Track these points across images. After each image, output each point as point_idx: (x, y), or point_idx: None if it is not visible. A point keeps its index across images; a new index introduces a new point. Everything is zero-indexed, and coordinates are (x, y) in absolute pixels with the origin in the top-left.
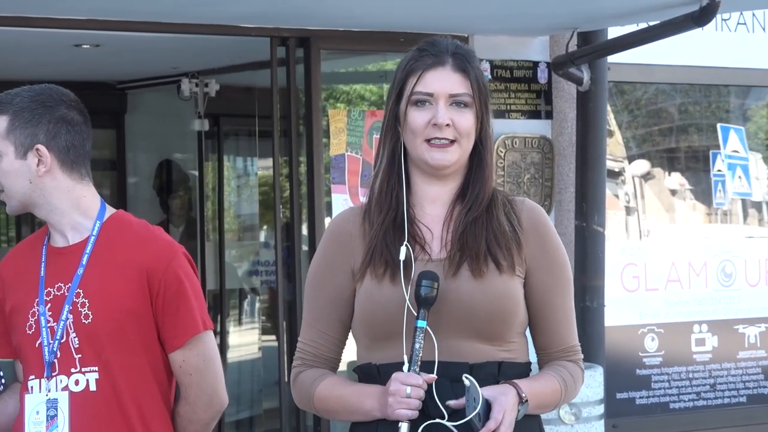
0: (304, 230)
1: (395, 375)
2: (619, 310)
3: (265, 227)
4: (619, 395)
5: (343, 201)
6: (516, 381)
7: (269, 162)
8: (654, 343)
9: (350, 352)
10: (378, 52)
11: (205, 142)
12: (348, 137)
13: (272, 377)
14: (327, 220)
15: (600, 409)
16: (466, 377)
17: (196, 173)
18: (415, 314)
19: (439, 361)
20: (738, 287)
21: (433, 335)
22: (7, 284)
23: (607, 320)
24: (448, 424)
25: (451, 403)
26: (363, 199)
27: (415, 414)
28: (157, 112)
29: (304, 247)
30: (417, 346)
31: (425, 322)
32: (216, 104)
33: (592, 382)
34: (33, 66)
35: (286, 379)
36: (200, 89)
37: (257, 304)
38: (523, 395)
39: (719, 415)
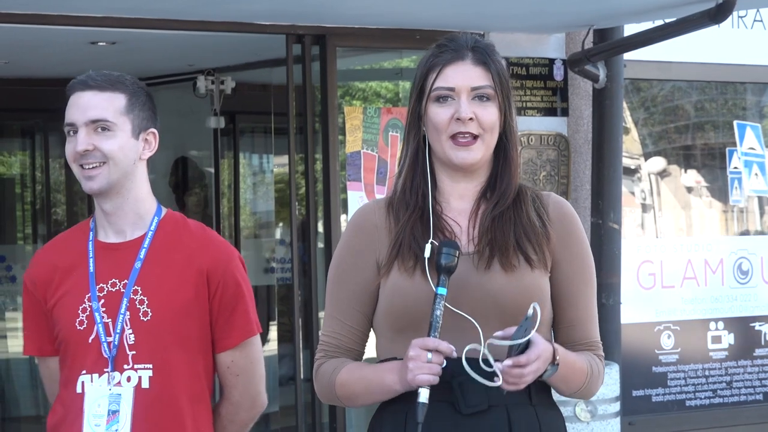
0: (320, 227)
1: (414, 341)
2: (635, 308)
3: (280, 224)
4: (635, 393)
5: (358, 198)
6: (553, 342)
7: (285, 159)
8: (670, 341)
9: (369, 351)
10: (394, 49)
11: (220, 139)
12: (364, 134)
13: (288, 374)
14: (343, 218)
15: (616, 407)
16: (534, 306)
17: (212, 170)
18: (437, 281)
19: (469, 358)
20: (754, 284)
21: (479, 327)
22: (46, 283)
23: (623, 318)
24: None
25: (498, 333)
26: (382, 195)
27: (436, 380)
28: (173, 110)
29: (320, 245)
30: (437, 313)
31: (446, 290)
32: (232, 101)
33: (608, 380)
34: (49, 64)
35: (302, 376)
36: (216, 86)
37: (273, 301)
38: (557, 357)
39: (735, 413)
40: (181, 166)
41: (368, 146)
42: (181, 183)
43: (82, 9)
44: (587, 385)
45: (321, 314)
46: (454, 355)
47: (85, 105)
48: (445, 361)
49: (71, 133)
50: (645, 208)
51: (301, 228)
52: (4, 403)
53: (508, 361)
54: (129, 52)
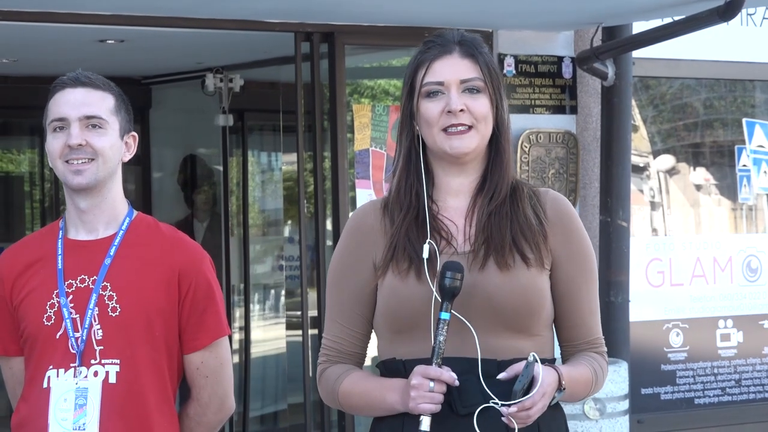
0: (329, 225)
1: (417, 369)
2: (643, 306)
3: (289, 222)
4: (643, 391)
5: (367, 196)
6: (558, 366)
7: (293, 157)
8: (679, 339)
9: (374, 348)
10: (402, 47)
11: (229, 137)
12: (372, 132)
13: (297, 372)
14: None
15: (625, 405)
16: (533, 355)
17: (221, 168)
18: (440, 306)
19: (466, 358)
20: (763, 282)
21: (473, 330)
22: (13, 281)
23: (631, 315)
24: (496, 406)
25: (502, 375)
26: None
27: (437, 408)
28: (182, 108)
29: (329, 242)
30: (441, 339)
31: (449, 314)
32: (240, 99)
33: (617, 378)
34: (58, 62)
35: (311, 374)
36: (224, 84)
37: (282, 299)
38: (563, 383)
39: (744, 411)
40: (190, 163)
41: (377, 144)
42: (189, 181)
43: (91, 7)
44: (592, 391)
45: None
46: (456, 383)
47: (80, 101)
48: (447, 386)
49: (57, 129)
50: (654, 205)
51: (309, 226)
52: None
53: (513, 408)
54: (137, 50)
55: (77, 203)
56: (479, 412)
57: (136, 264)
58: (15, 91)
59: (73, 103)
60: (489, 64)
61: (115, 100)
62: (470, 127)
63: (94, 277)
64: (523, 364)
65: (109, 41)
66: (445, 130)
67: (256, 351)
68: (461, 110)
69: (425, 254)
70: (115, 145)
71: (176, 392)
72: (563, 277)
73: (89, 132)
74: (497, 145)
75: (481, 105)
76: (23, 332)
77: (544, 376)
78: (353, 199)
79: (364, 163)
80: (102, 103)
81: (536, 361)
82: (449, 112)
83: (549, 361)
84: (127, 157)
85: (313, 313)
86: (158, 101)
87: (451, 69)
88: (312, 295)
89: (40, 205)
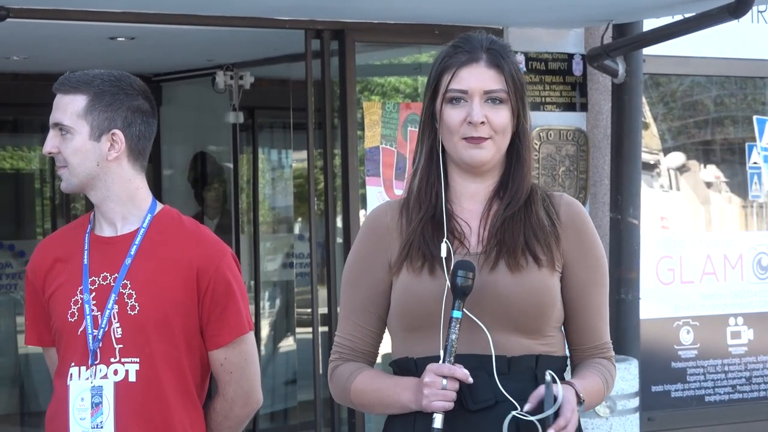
0: (339, 222)
1: (429, 366)
2: (654, 303)
3: (299, 219)
4: (654, 388)
5: (377, 193)
6: (572, 381)
7: (304, 154)
8: (689, 336)
9: (386, 346)
10: (413, 44)
11: (239, 134)
12: (383, 129)
13: (307, 370)
14: (362, 213)
15: (635, 402)
16: (549, 373)
17: (231, 166)
18: (452, 305)
19: (477, 355)
20: None
21: (485, 328)
22: (45, 274)
23: (642, 313)
24: (525, 415)
25: (527, 407)
26: (399, 192)
27: (450, 406)
28: (192, 105)
29: (339, 240)
30: (453, 337)
31: (461, 313)
32: (251, 97)
33: (627, 375)
34: (68, 59)
35: (321, 372)
36: (235, 82)
37: (292, 297)
38: (581, 395)
39: (755, 408)
40: (200, 161)
41: (387, 141)
42: (200, 178)
43: (102, 4)
44: (603, 399)
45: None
46: (470, 380)
47: (53, 108)
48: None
49: None
50: (664, 203)
51: (319, 223)
52: (23, 398)
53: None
54: (148, 47)
55: (89, 198)
56: (490, 408)
57: (156, 262)
58: (26, 88)
59: (52, 110)
60: (514, 74)
61: (87, 101)
62: (488, 139)
63: (116, 275)
64: (543, 388)
65: (120, 39)
66: (464, 139)
67: (266, 348)
68: (482, 123)
69: (443, 253)
70: (83, 149)
71: (204, 388)
72: (574, 281)
73: (60, 139)
74: (518, 153)
75: (502, 117)
76: (53, 326)
77: (565, 393)
78: (363, 197)
79: (375, 161)
80: (67, 108)
81: (555, 381)
82: (470, 122)
83: (561, 360)
84: (113, 155)
85: (323, 310)
86: (169, 99)
87: (476, 78)
88: (322, 293)
89: (50, 202)
